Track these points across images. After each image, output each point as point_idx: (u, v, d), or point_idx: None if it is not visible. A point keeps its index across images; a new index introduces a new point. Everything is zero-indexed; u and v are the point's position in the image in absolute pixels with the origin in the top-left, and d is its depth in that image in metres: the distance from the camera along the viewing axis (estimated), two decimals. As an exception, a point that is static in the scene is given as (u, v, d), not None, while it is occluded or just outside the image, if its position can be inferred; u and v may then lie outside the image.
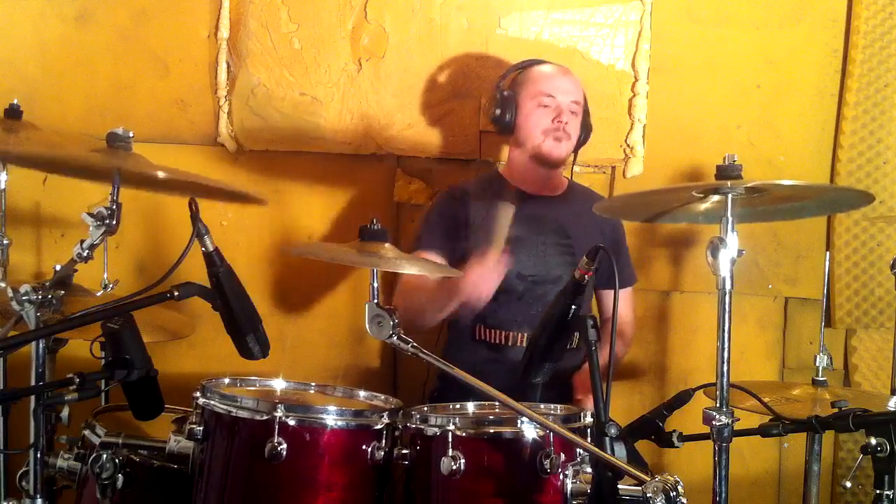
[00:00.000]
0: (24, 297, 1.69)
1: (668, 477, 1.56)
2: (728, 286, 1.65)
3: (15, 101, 2.37)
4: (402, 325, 2.11)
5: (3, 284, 2.34)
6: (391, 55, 2.94)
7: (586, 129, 2.67)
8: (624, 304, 2.75)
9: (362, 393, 2.08)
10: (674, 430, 1.98)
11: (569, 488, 1.75)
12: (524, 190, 2.65)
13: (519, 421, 1.78)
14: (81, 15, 2.92)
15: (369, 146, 2.97)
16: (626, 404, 2.96)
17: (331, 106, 2.94)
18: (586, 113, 2.67)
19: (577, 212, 2.63)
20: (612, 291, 2.59)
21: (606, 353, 2.48)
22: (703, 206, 1.83)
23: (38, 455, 1.76)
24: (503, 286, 2.56)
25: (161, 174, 1.71)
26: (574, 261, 2.56)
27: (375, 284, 1.73)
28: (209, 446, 1.83)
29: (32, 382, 1.77)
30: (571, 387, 2.47)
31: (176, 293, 1.65)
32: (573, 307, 1.84)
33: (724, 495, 1.65)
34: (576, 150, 2.70)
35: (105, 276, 1.78)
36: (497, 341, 2.58)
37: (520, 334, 2.57)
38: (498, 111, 2.63)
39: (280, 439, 1.74)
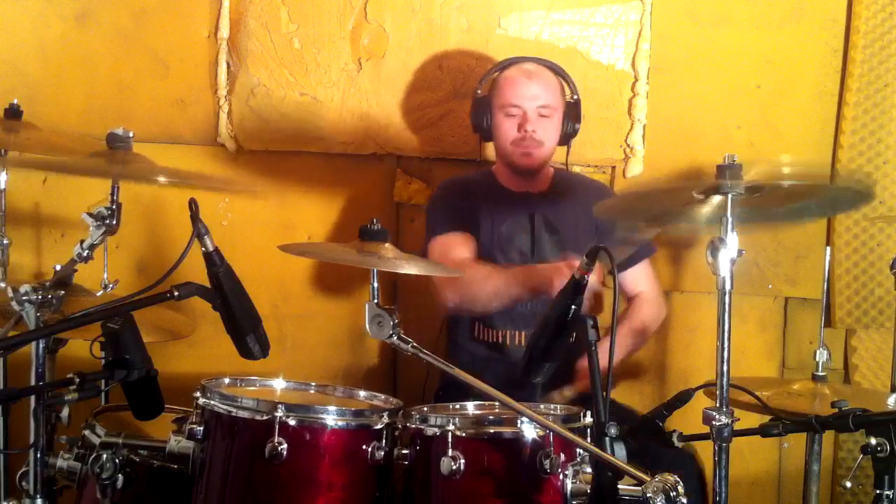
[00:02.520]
0: (24, 297, 1.69)
1: (668, 477, 1.55)
2: (728, 286, 1.64)
3: (15, 101, 2.37)
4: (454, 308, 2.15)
5: (3, 284, 2.34)
6: (391, 55, 2.94)
7: (574, 122, 2.64)
8: (645, 278, 2.74)
9: (362, 393, 2.08)
10: (674, 430, 1.98)
11: (569, 488, 1.75)
12: (510, 188, 2.68)
13: (519, 421, 1.78)
14: (81, 15, 2.92)
15: (369, 146, 2.97)
16: (626, 404, 2.96)
17: (331, 106, 2.94)
18: (573, 105, 2.64)
19: (564, 204, 2.65)
20: (627, 272, 2.65)
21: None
22: (704, 210, 1.82)
23: (38, 455, 1.76)
24: None
25: (162, 179, 1.71)
26: (565, 255, 2.57)
27: (375, 284, 1.73)
28: (209, 446, 1.82)
29: (32, 382, 1.77)
30: (573, 375, 2.40)
31: (176, 293, 1.64)
32: (573, 307, 1.84)
33: (724, 495, 1.65)
34: (564, 144, 2.68)
35: (105, 276, 1.78)
36: (495, 340, 2.59)
37: (517, 333, 2.57)
38: (475, 120, 2.65)
39: (281, 439, 1.74)
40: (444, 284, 2.51)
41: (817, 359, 2.20)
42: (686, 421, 1.95)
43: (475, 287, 2.45)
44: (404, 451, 1.84)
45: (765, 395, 2.01)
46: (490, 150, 2.95)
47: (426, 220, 2.73)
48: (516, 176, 2.66)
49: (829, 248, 2.48)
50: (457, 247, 2.58)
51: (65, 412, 1.96)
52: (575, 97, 2.66)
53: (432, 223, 2.68)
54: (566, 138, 2.66)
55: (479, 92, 2.66)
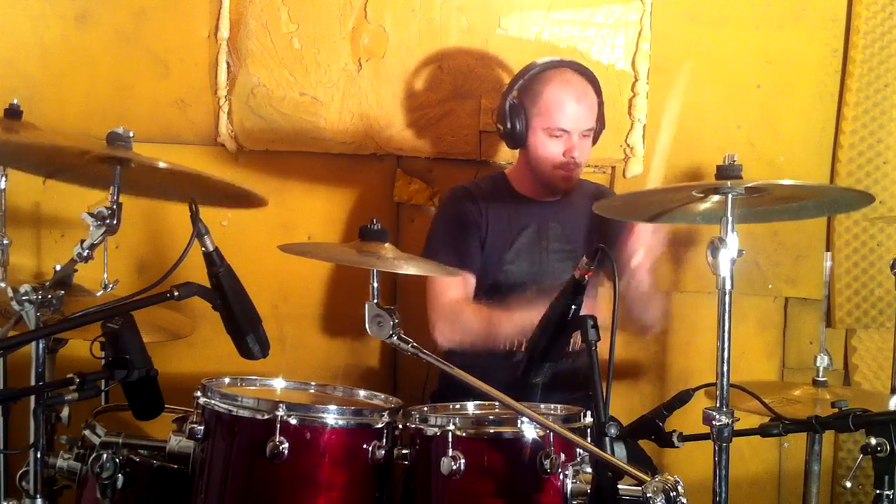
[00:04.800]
0: (24, 297, 1.69)
1: (668, 477, 1.56)
2: (728, 286, 1.64)
3: (15, 101, 2.37)
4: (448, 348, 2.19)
5: (3, 284, 2.34)
6: (391, 55, 2.94)
7: (601, 126, 2.59)
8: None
9: (362, 392, 2.08)
10: (674, 430, 1.97)
11: (569, 488, 1.75)
12: (527, 195, 2.64)
13: (519, 421, 1.78)
14: (81, 15, 2.91)
15: (369, 146, 2.97)
16: (626, 404, 2.96)
17: (331, 106, 2.94)
18: (601, 106, 2.58)
19: (578, 213, 2.62)
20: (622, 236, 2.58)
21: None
22: (703, 207, 1.83)
23: (38, 455, 1.76)
24: (508, 294, 2.56)
25: (162, 164, 1.70)
26: (576, 264, 2.55)
27: (375, 284, 1.73)
28: (209, 446, 1.83)
29: (32, 382, 1.77)
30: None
31: (176, 293, 1.64)
32: (573, 307, 1.84)
33: (724, 495, 1.65)
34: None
35: (105, 276, 1.77)
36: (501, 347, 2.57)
37: (524, 340, 2.55)
38: (507, 126, 2.51)
39: (281, 438, 1.74)
40: (438, 326, 2.51)
41: (818, 364, 2.20)
42: (686, 421, 1.95)
43: (473, 333, 2.45)
44: (404, 451, 1.85)
45: (765, 401, 2.00)
46: (491, 150, 2.96)
47: (429, 234, 2.67)
48: (544, 190, 2.59)
49: (828, 254, 2.48)
50: (454, 286, 2.54)
51: (65, 412, 1.96)
52: (600, 99, 2.58)
53: (434, 246, 2.60)
54: (593, 141, 2.60)
55: (513, 98, 2.52)
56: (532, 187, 2.63)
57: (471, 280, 2.57)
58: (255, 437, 1.78)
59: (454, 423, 1.78)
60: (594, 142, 2.61)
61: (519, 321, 2.38)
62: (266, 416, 1.77)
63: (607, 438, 1.67)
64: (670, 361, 3.07)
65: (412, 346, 1.70)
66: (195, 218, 1.71)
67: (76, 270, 1.79)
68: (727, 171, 1.67)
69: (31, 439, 1.74)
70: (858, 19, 2.98)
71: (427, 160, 3.01)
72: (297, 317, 3.01)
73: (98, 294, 1.77)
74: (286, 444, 1.74)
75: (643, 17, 2.97)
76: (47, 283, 1.73)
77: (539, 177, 2.56)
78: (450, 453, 1.75)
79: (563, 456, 1.75)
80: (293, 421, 1.77)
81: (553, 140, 2.49)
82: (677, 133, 3.00)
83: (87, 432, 1.95)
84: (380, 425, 1.85)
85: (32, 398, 1.72)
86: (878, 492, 1.83)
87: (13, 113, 2.35)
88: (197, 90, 2.97)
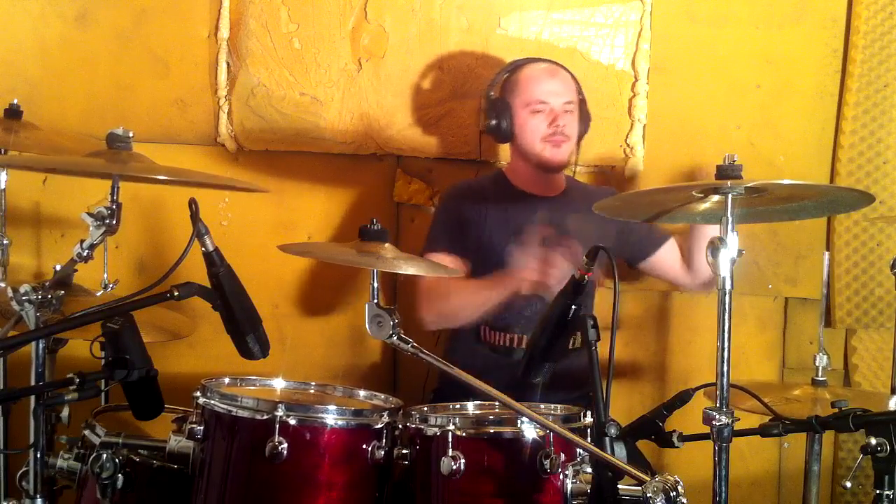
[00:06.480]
0: (24, 297, 1.69)
1: (668, 477, 1.56)
2: (728, 286, 1.65)
3: (15, 101, 2.37)
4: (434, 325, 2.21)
5: (3, 284, 2.34)
6: (391, 55, 2.94)
7: (585, 121, 2.65)
8: (673, 257, 2.78)
9: (362, 392, 2.08)
10: (674, 430, 1.98)
11: (569, 488, 1.75)
12: (526, 190, 2.66)
13: (519, 421, 1.78)
14: (81, 15, 2.91)
15: (369, 146, 2.97)
16: (626, 404, 2.96)
17: (331, 106, 2.94)
18: (583, 102, 2.65)
19: (577, 211, 2.62)
20: (657, 254, 2.73)
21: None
22: (703, 207, 1.83)
23: (38, 455, 1.76)
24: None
25: (162, 177, 1.71)
26: (577, 261, 2.56)
27: (375, 284, 1.73)
28: (209, 446, 1.83)
29: (32, 382, 1.77)
30: None
31: (176, 293, 1.65)
32: (573, 307, 1.84)
33: (724, 495, 1.65)
34: (577, 143, 2.67)
35: (105, 276, 1.78)
36: (501, 343, 2.58)
37: (524, 337, 2.55)
38: (493, 121, 2.60)
39: (281, 438, 1.74)
40: (422, 303, 2.51)
41: (817, 363, 2.20)
42: (686, 421, 1.95)
43: (453, 300, 2.47)
44: (404, 451, 1.85)
45: (764, 401, 2.00)
46: (491, 150, 2.96)
47: (430, 227, 2.71)
48: (539, 175, 2.63)
49: (827, 254, 2.48)
50: None
51: (65, 412, 1.96)
52: (581, 95, 2.65)
53: (430, 236, 2.66)
54: (579, 137, 2.65)
55: (493, 94, 2.63)
56: (529, 180, 2.65)
57: (459, 264, 2.57)
58: (255, 437, 1.78)
59: (454, 423, 1.78)
60: (579, 141, 2.65)
61: (496, 288, 2.41)
62: (265, 417, 1.77)
63: (607, 438, 1.67)
64: (670, 361, 3.07)
65: (412, 346, 1.70)
66: (195, 218, 1.71)
67: (76, 270, 1.80)
68: (727, 171, 1.67)
69: (31, 439, 1.75)
70: (858, 19, 2.98)
71: (427, 160, 3.01)
72: (297, 317, 3.01)
73: (98, 294, 1.78)
74: (285, 445, 1.74)
75: (643, 17, 2.97)
76: (47, 283, 1.73)
77: (530, 156, 2.60)
78: (450, 453, 1.75)
79: (563, 456, 1.75)
80: (293, 421, 1.77)
81: (536, 115, 2.56)
82: (678, 133, 3.02)
83: (87, 432, 1.95)
84: (380, 425, 1.85)
85: (32, 398, 1.72)
86: (878, 492, 1.83)
87: (13, 113, 2.36)
88: (197, 90, 2.97)
